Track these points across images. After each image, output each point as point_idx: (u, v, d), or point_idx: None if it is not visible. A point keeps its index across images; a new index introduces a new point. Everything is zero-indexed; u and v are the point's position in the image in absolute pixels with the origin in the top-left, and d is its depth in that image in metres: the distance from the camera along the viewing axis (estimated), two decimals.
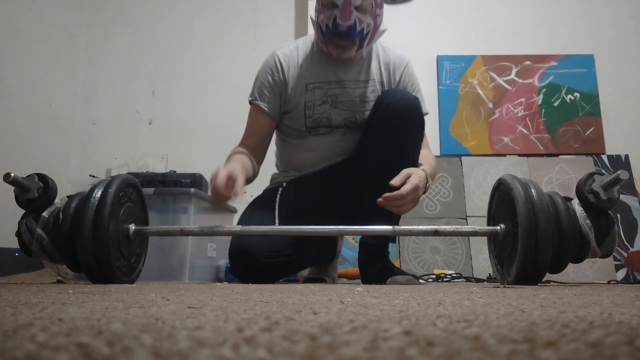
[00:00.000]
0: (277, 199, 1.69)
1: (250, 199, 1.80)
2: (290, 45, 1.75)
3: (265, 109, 1.69)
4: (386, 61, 1.73)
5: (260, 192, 1.84)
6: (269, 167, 1.89)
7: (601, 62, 2.90)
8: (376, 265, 1.61)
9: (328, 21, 1.56)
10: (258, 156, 1.70)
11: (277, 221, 1.62)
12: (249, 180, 1.60)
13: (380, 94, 1.66)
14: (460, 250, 2.53)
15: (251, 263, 1.54)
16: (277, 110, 1.71)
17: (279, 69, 1.70)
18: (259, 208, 1.70)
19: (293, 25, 3.16)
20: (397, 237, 1.77)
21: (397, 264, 2.29)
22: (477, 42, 2.94)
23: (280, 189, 1.73)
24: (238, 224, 1.60)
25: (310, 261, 1.80)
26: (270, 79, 1.70)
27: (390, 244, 1.70)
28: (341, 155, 1.70)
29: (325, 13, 1.56)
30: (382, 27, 1.64)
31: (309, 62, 1.70)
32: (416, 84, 1.75)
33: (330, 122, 1.69)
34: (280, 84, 1.69)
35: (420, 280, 1.95)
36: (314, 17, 1.65)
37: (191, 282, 1.87)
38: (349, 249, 2.55)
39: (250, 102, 1.74)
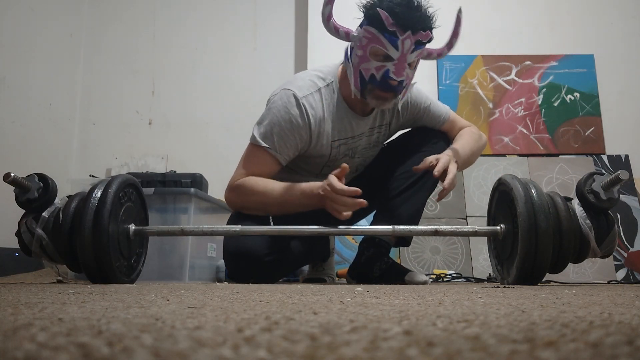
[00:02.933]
0: None
1: None
2: (314, 93, 1.57)
3: (282, 161, 1.57)
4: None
5: None
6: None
7: (601, 62, 2.90)
8: (387, 262, 1.63)
9: (376, 72, 1.47)
10: None
11: (271, 222, 1.62)
12: None
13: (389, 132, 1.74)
14: (460, 250, 2.53)
15: (251, 263, 1.53)
16: (288, 159, 1.59)
17: (307, 124, 1.55)
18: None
19: (293, 25, 3.16)
20: (411, 239, 1.80)
21: None
22: (477, 42, 2.94)
23: None
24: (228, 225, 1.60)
25: (305, 258, 1.80)
26: (296, 133, 1.55)
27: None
28: None
29: (374, 63, 1.47)
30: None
31: (335, 117, 1.59)
32: (422, 103, 1.71)
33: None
34: (306, 139, 1.57)
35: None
36: (349, 60, 1.53)
37: (191, 282, 1.87)
38: (349, 249, 2.55)
39: (261, 147, 1.55)
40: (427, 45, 1.54)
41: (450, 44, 1.58)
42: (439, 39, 1.56)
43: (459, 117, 1.79)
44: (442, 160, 1.49)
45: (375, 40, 1.46)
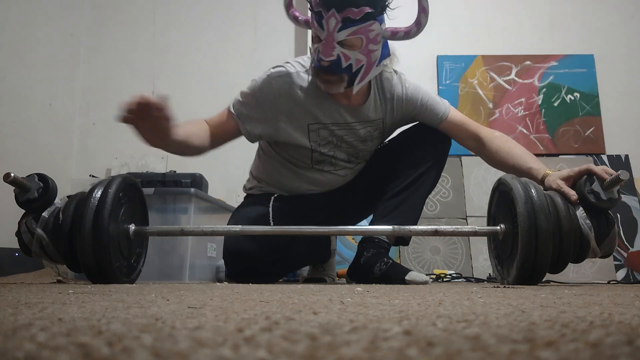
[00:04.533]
0: (271, 202, 1.69)
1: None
2: (293, 74, 1.58)
3: (242, 131, 1.59)
4: (390, 95, 1.66)
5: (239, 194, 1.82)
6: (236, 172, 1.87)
7: (601, 62, 2.90)
8: (387, 262, 1.62)
9: (315, 55, 1.48)
10: (215, 143, 1.61)
11: (271, 222, 1.62)
12: (187, 143, 1.54)
13: (385, 129, 1.70)
14: (460, 250, 2.53)
15: (251, 263, 1.53)
16: (255, 134, 1.60)
17: (275, 98, 1.57)
18: (252, 209, 1.68)
19: (293, 25, 3.15)
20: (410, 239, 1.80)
21: None
22: (477, 42, 2.94)
23: (273, 197, 1.71)
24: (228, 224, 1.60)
25: (305, 259, 1.80)
26: (263, 106, 1.57)
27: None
28: (341, 185, 1.73)
29: (314, 45, 1.48)
30: (389, 60, 1.56)
31: (313, 101, 1.58)
32: (418, 99, 1.67)
33: (335, 158, 1.69)
34: (271, 116, 1.58)
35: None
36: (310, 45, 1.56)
37: (191, 282, 1.87)
38: (349, 249, 2.55)
39: (230, 112, 1.60)
40: (394, 25, 1.50)
41: (418, 21, 1.50)
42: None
43: (469, 120, 1.72)
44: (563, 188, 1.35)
45: (312, 23, 1.48)
